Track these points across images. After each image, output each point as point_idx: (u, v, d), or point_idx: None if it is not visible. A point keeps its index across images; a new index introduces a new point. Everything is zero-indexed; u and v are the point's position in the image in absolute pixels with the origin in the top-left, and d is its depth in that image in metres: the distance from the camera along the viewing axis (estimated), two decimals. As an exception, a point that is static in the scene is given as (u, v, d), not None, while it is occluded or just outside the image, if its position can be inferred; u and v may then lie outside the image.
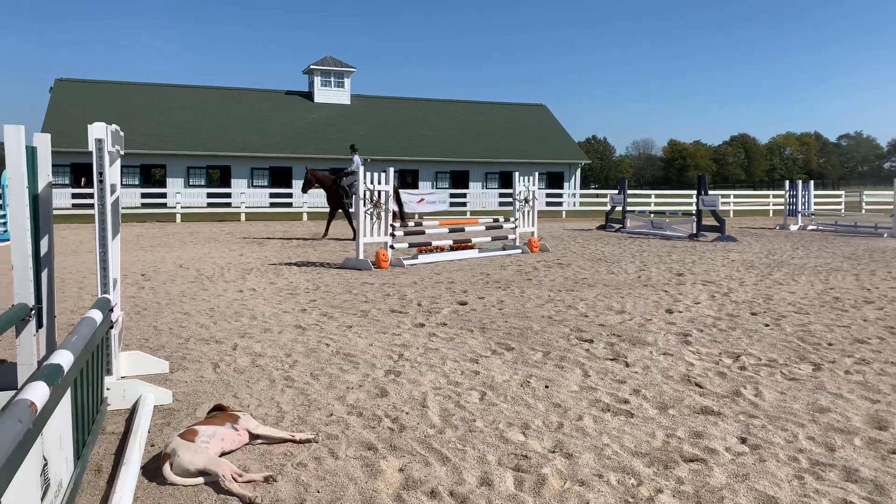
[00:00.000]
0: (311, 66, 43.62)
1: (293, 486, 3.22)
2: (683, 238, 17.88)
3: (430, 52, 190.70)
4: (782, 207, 23.12)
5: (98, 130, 4.22)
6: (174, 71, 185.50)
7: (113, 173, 4.49)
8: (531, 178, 14.81)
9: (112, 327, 4.35)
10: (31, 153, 4.12)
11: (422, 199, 13.87)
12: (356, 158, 17.77)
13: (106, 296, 4.31)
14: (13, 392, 3.82)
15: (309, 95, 44.19)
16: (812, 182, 22.93)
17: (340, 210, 17.57)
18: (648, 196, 37.55)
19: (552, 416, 4.16)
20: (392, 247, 11.95)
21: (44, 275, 4.30)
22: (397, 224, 12.34)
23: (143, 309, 7.70)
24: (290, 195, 31.90)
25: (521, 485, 3.24)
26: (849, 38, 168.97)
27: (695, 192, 19.10)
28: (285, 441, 3.73)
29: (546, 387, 4.74)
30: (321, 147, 38.83)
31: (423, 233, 13.28)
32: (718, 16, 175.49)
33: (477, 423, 4.05)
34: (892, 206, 19.36)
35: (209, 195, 33.02)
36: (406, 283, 9.80)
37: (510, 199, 16.54)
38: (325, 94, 43.93)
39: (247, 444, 3.69)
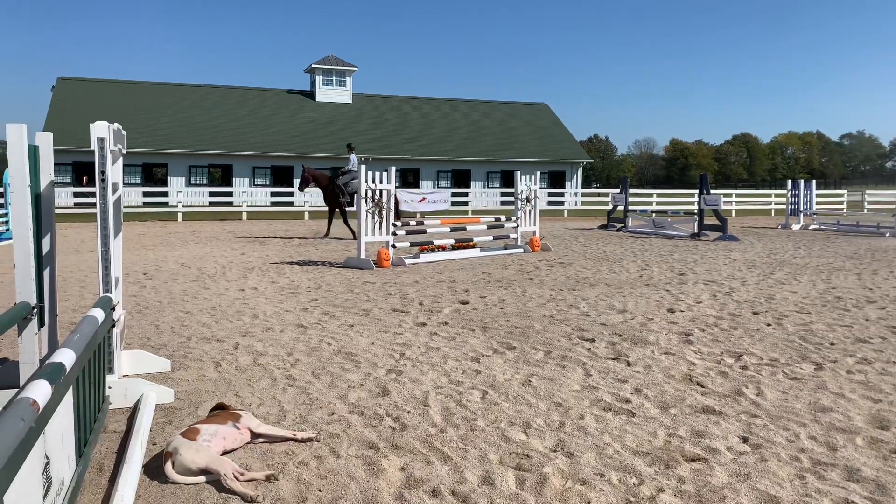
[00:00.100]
0: (313, 65, 43.63)
1: (295, 484, 3.22)
2: (685, 237, 17.87)
3: (431, 51, 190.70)
4: (784, 207, 23.11)
5: (100, 129, 4.22)
6: (176, 70, 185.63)
7: (115, 172, 4.50)
8: (533, 177, 14.80)
9: (114, 326, 4.35)
10: (33, 152, 4.13)
11: (423, 199, 13.85)
12: (353, 157, 17.82)
13: (108, 294, 4.32)
14: (15, 390, 3.83)
15: (310, 94, 44.20)
16: (814, 181, 22.91)
17: (337, 208, 17.62)
18: (650, 195, 37.52)
19: (553, 416, 4.16)
20: (394, 246, 11.95)
21: (46, 273, 4.31)
22: (399, 223, 12.34)
23: (145, 308, 7.71)
24: (291, 194, 31.89)
25: (523, 484, 3.24)
26: (851, 38, 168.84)
27: (697, 191, 19.08)
28: (287, 440, 3.73)
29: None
30: (323, 146, 38.83)
31: (424, 232, 13.28)
32: (720, 15, 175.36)
33: (478, 422, 4.05)
34: (894, 206, 19.34)
35: (211, 194, 33.09)
36: (408, 282, 9.80)
37: (512, 199, 16.55)
38: (327, 93, 43.94)
39: (248, 443, 3.69)
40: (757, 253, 13.98)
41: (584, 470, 3.38)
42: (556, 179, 44.27)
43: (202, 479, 3.23)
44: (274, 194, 31.81)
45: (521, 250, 14.00)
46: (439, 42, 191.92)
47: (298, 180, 18.16)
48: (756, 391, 4.62)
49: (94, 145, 4.21)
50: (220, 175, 40.78)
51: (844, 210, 31.22)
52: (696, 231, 17.88)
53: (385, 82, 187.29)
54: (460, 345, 5.96)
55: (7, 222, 17.59)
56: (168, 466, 3.27)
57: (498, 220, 14.63)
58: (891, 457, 3.53)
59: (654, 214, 21.63)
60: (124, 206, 6.11)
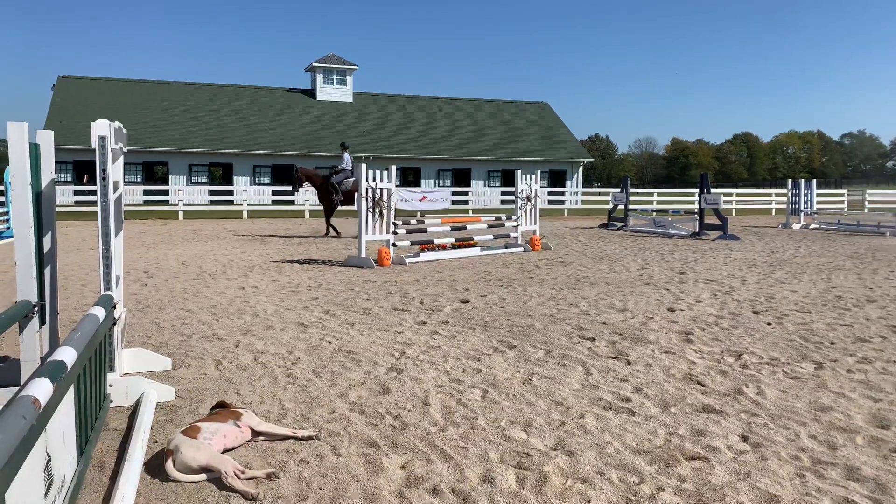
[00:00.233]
0: (314, 64, 43.63)
1: (295, 482, 3.23)
2: (686, 236, 17.87)
3: (432, 50, 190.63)
4: (785, 206, 23.10)
5: (101, 127, 4.23)
6: (177, 68, 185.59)
7: (116, 170, 4.50)
8: (533, 176, 14.80)
9: (115, 324, 4.36)
10: (35, 150, 4.13)
11: (424, 197, 13.85)
12: (346, 156, 17.89)
13: (109, 293, 4.32)
14: (17, 388, 3.84)
15: (311, 93, 44.21)
16: (815, 181, 22.88)
17: (328, 207, 17.74)
18: (651, 194, 37.52)
19: (554, 414, 4.16)
20: (394, 245, 11.95)
21: (47, 272, 4.31)
22: (399, 222, 12.34)
23: (146, 306, 7.71)
24: (292, 193, 31.89)
25: (523, 482, 3.24)
26: (852, 37, 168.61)
27: (697, 190, 19.08)
28: (287, 438, 3.74)
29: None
30: (323, 145, 38.84)
31: (425, 231, 13.28)
32: (721, 14, 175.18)
33: (479, 420, 4.05)
34: (894, 205, 19.31)
35: (211, 193, 33.10)
36: (408, 280, 9.80)
37: (512, 198, 16.55)
38: (328, 92, 43.94)
39: (249, 441, 3.70)
40: (757, 252, 13.98)
41: (585, 468, 3.38)
42: (556, 178, 44.27)
43: (203, 477, 3.24)
44: (274, 193, 31.81)
45: (522, 249, 14.01)
46: (440, 41, 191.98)
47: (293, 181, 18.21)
48: (756, 390, 4.62)
49: (95, 143, 4.21)
50: (221, 174, 40.80)
51: (845, 209, 31.20)
52: (697, 230, 17.88)
53: (386, 81, 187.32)
54: (461, 343, 5.97)
55: (8, 220, 17.60)
56: (169, 464, 3.27)
57: (498, 219, 14.64)
58: (891, 456, 3.53)
59: (654, 213, 21.63)
60: (125, 205, 6.12)
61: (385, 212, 11.79)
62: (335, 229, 17.73)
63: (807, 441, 3.73)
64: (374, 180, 11.67)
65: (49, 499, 2.44)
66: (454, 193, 31.84)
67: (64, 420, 2.74)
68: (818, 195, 27.68)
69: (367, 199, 11.53)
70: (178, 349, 5.74)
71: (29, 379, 2.37)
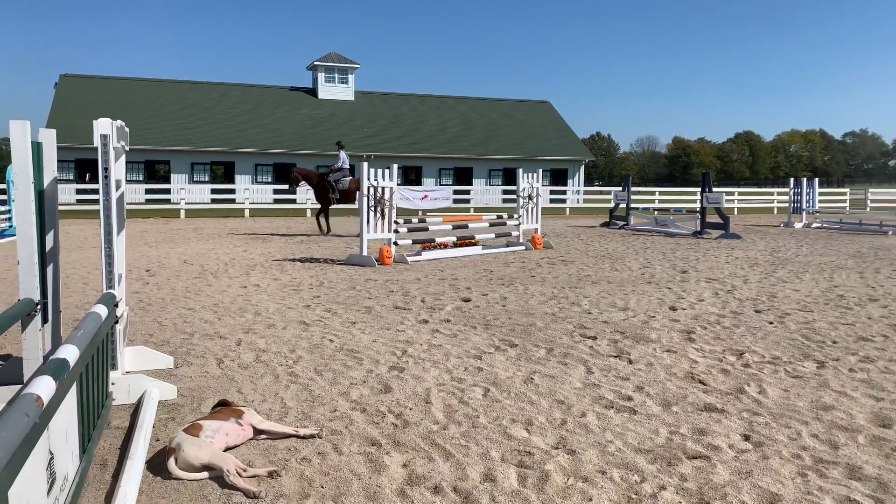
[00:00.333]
0: (315, 63, 43.64)
1: (297, 481, 3.23)
2: (687, 235, 17.85)
3: (433, 49, 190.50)
4: (787, 205, 23.08)
5: (103, 126, 4.23)
6: (178, 67, 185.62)
7: (118, 169, 4.50)
8: (535, 174, 14.80)
9: (117, 322, 4.36)
10: (37, 149, 4.14)
11: (425, 196, 13.85)
12: (342, 155, 17.95)
13: (111, 291, 4.33)
14: (19, 386, 3.85)
15: (313, 92, 44.22)
16: (817, 180, 22.82)
17: (325, 205, 17.81)
18: (652, 193, 37.49)
19: (555, 413, 4.16)
20: (396, 243, 11.96)
21: (49, 270, 4.32)
22: (401, 221, 12.34)
23: (148, 304, 7.72)
24: (294, 191, 31.89)
25: (525, 481, 3.24)
26: (854, 36, 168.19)
27: (699, 189, 19.07)
28: (289, 436, 3.74)
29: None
30: (325, 143, 38.81)
31: (426, 229, 13.28)
32: (723, 13, 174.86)
33: (480, 419, 4.05)
34: (897, 204, 19.29)
35: (213, 191, 33.11)
36: (409, 279, 9.81)
37: (514, 196, 16.53)
38: (329, 91, 43.95)
39: (251, 440, 3.71)
40: (759, 251, 13.97)
41: (586, 467, 3.38)
42: (558, 177, 44.25)
43: (205, 475, 3.25)
44: (276, 191, 31.84)
45: (524, 248, 14.01)
46: (441, 40, 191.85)
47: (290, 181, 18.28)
48: (758, 389, 4.62)
49: (97, 142, 4.21)
50: (223, 172, 40.80)
51: (847, 208, 31.17)
52: (699, 229, 17.87)
53: (387, 80, 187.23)
54: (462, 342, 5.97)
55: (10, 219, 17.62)
56: (171, 462, 3.28)
57: (500, 217, 14.63)
58: (893, 455, 3.53)
59: (656, 212, 21.61)
60: (127, 203, 6.12)
61: (386, 210, 11.79)
62: (322, 226, 17.89)
63: (808, 440, 3.73)
64: (375, 179, 11.67)
65: (52, 497, 2.44)
66: (456, 192, 31.81)
67: (66, 418, 2.74)
68: (820, 194, 27.62)
69: (368, 198, 11.53)
70: (179, 347, 5.75)
71: (32, 377, 2.38)
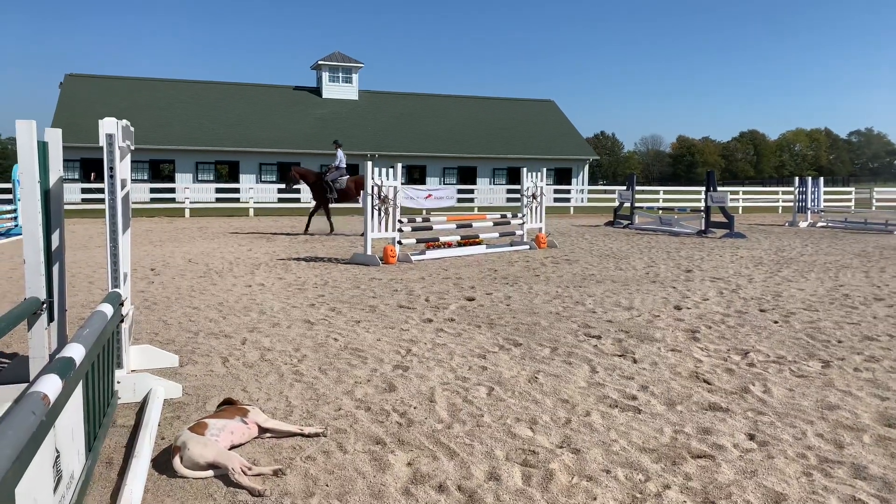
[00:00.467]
0: (319, 62, 43.69)
1: (302, 479, 3.24)
2: (692, 234, 17.82)
3: (437, 48, 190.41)
4: (791, 204, 23.02)
5: (109, 126, 4.24)
6: (183, 67, 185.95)
7: (123, 168, 4.52)
8: (539, 173, 14.78)
9: (122, 321, 4.38)
10: (43, 148, 4.15)
11: (429, 195, 13.85)
12: (339, 153, 17.95)
13: (116, 290, 4.34)
14: (26, 385, 3.86)
15: (317, 91, 44.26)
16: (822, 179, 22.75)
17: (323, 204, 17.83)
18: (657, 192, 37.43)
19: (560, 412, 4.16)
20: (400, 242, 11.96)
21: (55, 269, 4.33)
22: (406, 220, 12.35)
23: (153, 303, 7.75)
24: (298, 191, 31.93)
25: (529, 480, 3.25)
26: (859, 34, 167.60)
27: (703, 188, 19.03)
28: (294, 435, 3.75)
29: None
30: (329, 143, 38.70)
31: (430, 228, 13.29)
32: (727, 12, 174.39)
33: (485, 418, 4.06)
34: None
35: (218, 190, 33.18)
36: (414, 278, 9.81)
37: (518, 195, 16.52)
38: (333, 90, 43.99)
39: (256, 438, 3.71)
40: (764, 250, 13.94)
41: (591, 466, 3.38)
42: (562, 176, 44.21)
43: (210, 473, 3.26)
44: (280, 191, 31.87)
45: (528, 247, 14.00)
46: (445, 39, 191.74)
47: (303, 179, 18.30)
48: (763, 388, 4.61)
49: (102, 141, 4.23)
50: (227, 171, 40.91)
51: (852, 207, 31.08)
52: (703, 228, 17.83)
53: (391, 79, 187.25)
54: (466, 341, 5.97)
55: (16, 218, 17.69)
56: (176, 461, 3.29)
57: (504, 216, 14.62)
58: (898, 454, 3.52)
59: (660, 211, 21.58)
60: (132, 203, 6.14)
61: (391, 210, 11.80)
62: (307, 227, 17.98)
63: (814, 439, 3.72)
64: (379, 178, 11.68)
65: (58, 494, 2.45)
66: (460, 191, 31.83)
67: (72, 416, 2.76)
68: (825, 193, 27.55)
69: (372, 197, 11.54)
70: (185, 346, 5.76)
71: (38, 375, 2.39)
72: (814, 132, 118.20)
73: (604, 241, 15.96)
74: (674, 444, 3.67)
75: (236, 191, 32.93)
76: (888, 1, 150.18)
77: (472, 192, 34.69)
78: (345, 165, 17.98)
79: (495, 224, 14.30)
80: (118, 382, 4.31)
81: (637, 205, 21.74)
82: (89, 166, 35.13)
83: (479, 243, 13.24)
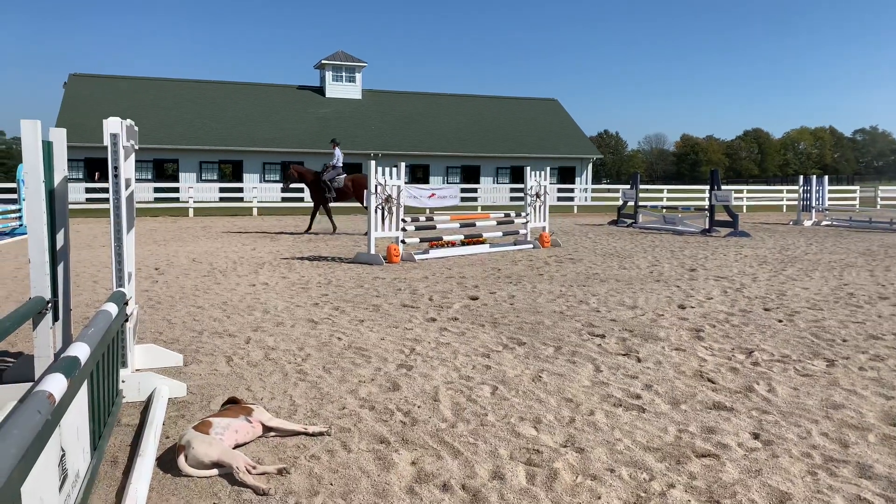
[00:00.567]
0: (323, 61, 43.70)
1: (306, 478, 3.24)
2: (696, 233, 17.79)
3: (440, 47, 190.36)
4: (796, 203, 22.96)
5: (113, 125, 4.25)
6: (187, 66, 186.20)
7: (128, 168, 4.53)
8: (543, 172, 14.77)
9: (127, 320, 4.39)
10: (47, 148, 4.16)
11: (433, 194, 13.86)
12: (337, 152, 17.93)
13: (121, 289, 4.35)
14: (31, 384, 3.88)
15: (320, 90, 44.28)
16: (826, 177, 22.69)
17: (322, 204, 17.84)
18: (661, 191, 37.36)
19: (564, 411, 4.16)
20: (403, 241, 11.97)
21: (60, 268, 4.35)
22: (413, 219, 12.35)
23: (157, 302, 7.76)
24: (301, 189, 32.00)
25: (533, 479, 3.24)
26: (864, 33, 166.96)
27: (707, 187, 18.99)
28: (298, 434, 3.76)
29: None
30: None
31: (434, 227, 13.29)
32: (731, 11, 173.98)
33: (489, 417, 4.06)
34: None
35: (221, 190, 33.22)
36: (417, 277, 9.81)
37: (521, 194, 16.50)
38: (337, 89, 44.00)
39: (260, 437, 3.72)
40: (768, 249, 13.90)
41: (595, 465, 3.38)
42: (565, 175, 44.16)
43: (215, 472, 3.26)
44: (284, 190, 31.94)
45: (531, 246, 13.99)
46: (448, 38, 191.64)
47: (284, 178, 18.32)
48: (767, 387, 4.60)
49: (107, 141, 4.24)
50: (231, 171, 40.94)
51: (857, 206, 30.99)
52: (707, 227, 17.80)
53: (394, 78, 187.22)
54: (470, 340, 5.97)
55: (21, 217, 17.74)
56: (181, 459, 3.30)
57: (507, 215, 14.61)
58: (903, 454, 3.51)
59: (664, 210, 21.54)
60: (136, 202, 6.15)
61: (394, 209, 11.80)
62: (310, 226, 17.99)
63: (818, 438, 3.71)
64: (383, 177, 11.68)
65: (63, 493, 2.46)
66: (463, 190, 31.81)
67: (77, 415, 2.76)
68: (830, 192, 27.48)
69: (376, 196, 11.54)
70: (189, 345, 5.77)
71: (43, 374, 2.40)
72: (818, 130, 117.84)
73: (607, 240, 15.94)
74: (678, 443, 3.67)
75: (240, 190, 32.97)
76: (890, 1, 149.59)
77: (475, 191, 34.67)
78: (342, 164, 17.95)
79: (499, 223, 14.29)
80: (123, 381, 4.32)
81: (641, 204, 21.70)
82: (93, 166, 35.21)
83: (482, 242, 13.23)
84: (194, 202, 27.26)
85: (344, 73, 44.12)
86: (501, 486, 3.17)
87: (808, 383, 4.70)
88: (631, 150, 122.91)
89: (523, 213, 14.37)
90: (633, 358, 5.37)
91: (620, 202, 22.05)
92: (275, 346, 5.74)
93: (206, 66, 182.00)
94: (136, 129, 4.94)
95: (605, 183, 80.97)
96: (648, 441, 3.69)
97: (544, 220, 14.68)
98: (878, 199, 33.48)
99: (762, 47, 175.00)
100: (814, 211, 21.69)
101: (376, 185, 11.54)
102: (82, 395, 2.86)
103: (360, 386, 4.65)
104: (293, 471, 3.31)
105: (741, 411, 4.15)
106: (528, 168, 14.55)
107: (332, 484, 3.19)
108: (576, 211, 32.05)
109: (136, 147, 5.02)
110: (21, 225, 17.36)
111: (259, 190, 30.50)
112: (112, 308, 3.68)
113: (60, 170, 4.33)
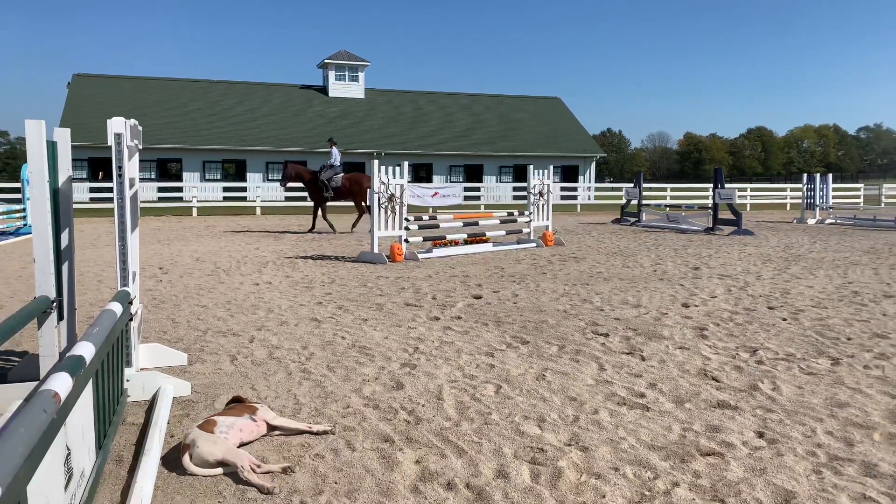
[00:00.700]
0: (326, 61, 43.71)
1: (310, 477, 3.25)
2: (699, 232, 17.76)
3: (443, 46, 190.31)
4: (800, 201, 22.91)
5: (117, 125, 4.26)
6: (190, 66, 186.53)
7: (132, 168, 4.53)
8: (546, 171, 14.76)
9: (132, 320, 4.40)
10: (52, 148, 4.17)
11: (436, 193, 13.85)
12: (335, 151, 17.90)
13: (125, 289, 4.36)
14: (36, 383, 3.89)
15: (323, 90, 44.30)
16: (830, 175, 22.61)
17: (320, 204, 17.82)
18: (664, 189, 37.28)
19: (568, 410, 4.16)
20: (406, 240, 11.97)
21: (64, 268, 4.36)
22: (413, 217, 12.35)
23: (162, 302, 7.78)
24: (304, 189, 32.06)
25: (538, 477, 3.24)
26: (868, 31, 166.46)
27: (711, 185, 18.96)
28: (303, 432, 3.76)
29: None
30: (336, 141, 38.93)
31: (437, 226, 13.29)
32: (732, 12, 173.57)
33: (493, 415, 4.06)
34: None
35: (225, 189, 33.26)
36: (421, 276, 9.82)
37: (524, 193, 16.48)
38: (340, 88, 44.03)
39: (265, 436, 3.73)
40: (772, 247, 13.87)
41: (599, 464, 3.38)
42: (569, 174, 44.14)
43: (219, 470, 3.27)
44: (287, 189, 31.95)
45: (534, 245, 13.98)
46: (451, 37, 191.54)
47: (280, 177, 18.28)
48: (772, 386, 4.59)
49: (111, 141, 4.24)
50: (234, 170, 40.99)
51: (861, 204, 30.89)
52: (711, 225, 17.77)
53: (397, 77, 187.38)
54: (474, 339, 5.97)
55: (26, 217, 17.79)
56: (186, 458, 3.30)
57: (511, 214, 14.60)
58: (909, 452, 3.50)
59: (668, 209, 21.53)
60: (140, 202, 6.16)
61: (397, 208, 11.80)
62: (314, 223, 17.95)
63: (823, 437, 3.71)
64: (386, 176, 11.69)
65: (69, 492, 2.47)
66: (466, 189, 31.78)
67: (83, 414, 2.77)
68: (834, 190, 27.38)
69: (379, 195, 11.55)
70: (193, 345, 5.78)
71: (49, 374, 2.40)
72: (822, 128, 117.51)
73: (611, 239, 15.92)
74: (682, 441, 3.66)
75: (243, 189, 33.00)
76: (890, 1, 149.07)
77: (478, 189, 34.65)
78: (339, 163, 17.92)
79: (502, 222, 14.27)
80: (128, 380, 4.33)
81: (644, 202, 21.67)
82: (97, 165, 35.29)
83: (485, 241, 13.23)
84: (198, 202, 27.30)
85: (347, 73, 44.14)
86: (506, 484, 3.17)
87: (813, 382, 4.69)
88: (634, 149, 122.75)
89: (526, 212, 14.36)
90: (637, 356, 5.37)
91: (624, 201, 22.02)
92: (279, 345, 5.75)
93: (207, 67, 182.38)
94: (140, 128, 4.95)
95: (608, 181, 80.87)
96: (653, 440, 3.68)
97: (547, 219, 14.67)
98: (883, 197, 33.37)
99: (762, 47, 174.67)
100: (818, 209, 21.63)
101: (379, 185, 11.54)
102: (87, 395, 2.87)
103: (364, 385, 4.66)
104: (298, 469, 3.32)
105: (745, 410, 4.14)
106: (532, 167, 14.54)
107: (336, 482, 3.19)
108: (579, 209, 32.02)
109: (140, 147, 5.03)
110: (25, 224, 17.41)
111: (262, 189, 30.54)
112: (116, 307, 3.69)
113: (65, 170, 4.34)
